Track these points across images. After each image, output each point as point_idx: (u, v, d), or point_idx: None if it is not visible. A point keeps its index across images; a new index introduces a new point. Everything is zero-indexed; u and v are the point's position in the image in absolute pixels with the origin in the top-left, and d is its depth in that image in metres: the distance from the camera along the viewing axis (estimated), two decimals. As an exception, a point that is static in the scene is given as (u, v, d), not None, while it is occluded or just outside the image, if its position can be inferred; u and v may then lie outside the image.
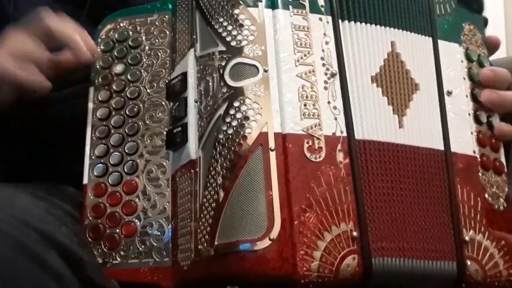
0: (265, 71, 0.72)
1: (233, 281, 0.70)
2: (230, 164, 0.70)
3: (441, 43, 0.82)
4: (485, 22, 0.90)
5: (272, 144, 0.70)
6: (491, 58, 0.90)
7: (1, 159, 0.88)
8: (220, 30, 0.75)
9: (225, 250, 0.69)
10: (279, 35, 0.74)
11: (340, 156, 0.72)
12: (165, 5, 0.87)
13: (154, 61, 0.85)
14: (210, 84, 0.75)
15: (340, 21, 0.77)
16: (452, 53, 0.83)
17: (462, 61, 0.83)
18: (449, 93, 0.80)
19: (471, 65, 0.84)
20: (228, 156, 0.71)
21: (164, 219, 0.80)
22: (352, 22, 0.78)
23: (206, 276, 0.72)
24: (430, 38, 0.81)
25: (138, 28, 0.87)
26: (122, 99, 0.84)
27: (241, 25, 0.74)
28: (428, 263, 0.72)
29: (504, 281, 0.75)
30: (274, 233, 0.67)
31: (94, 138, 0.84)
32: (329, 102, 0.73)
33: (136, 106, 0.84)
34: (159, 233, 0.79)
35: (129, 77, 0.85)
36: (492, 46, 0.89)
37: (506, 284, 0.75)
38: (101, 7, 0.91)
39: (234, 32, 0.74)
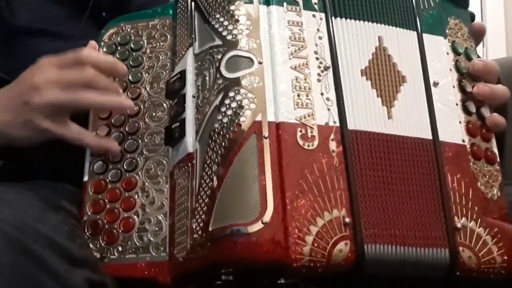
0: (260, 63, 0.75)
1: (227, 266, 0.70)
2: (224, 152, 0.72)
3: (425, 36, 0.84)
4: (471, 17, 0.92)
5: (265, 132, 0.72)
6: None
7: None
8: (216, 26, 0.78)
9: (218, 234, 0.69)
10: (273, 29, 0.77)
11: (332, 145, 0.73)
12: (166, 10, 0.90)
13: (155, 63, 0.88)
14: (207, 78, 0.77)
15: (333, 18, 0.79)
16: (437, 46, 0.84)
17: (447, 53, 0.85)
18: (436, 84, 0.82)
19: (458, 57, 0.86)
20: (223, 144, 0.72)
21: (162, 215, 0.81)
22: (343, 19, 0.80)
23: (201, 265, 0.72)
24: (415, 32, 0.83)
25: (140, 32, 0.90)
26: None
27: (237, 20, 0.77)
28: (420, 250, 0.72)
29: (499, 267, 0.75)
30: (267, 217, 0.68)
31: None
32: (322, 94, 0.75)
33: (137, 106, 0.86)
34: (156, 228, 0.80)
35: (130, 78, 0.87)
36: (477, 33, 0.90)
37: (501, 270, 0.75)
38: (99, 9, 0.94)
39: (230, 27, 0.77)
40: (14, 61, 0.93)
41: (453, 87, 0.83)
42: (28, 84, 0.83)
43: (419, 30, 0.83)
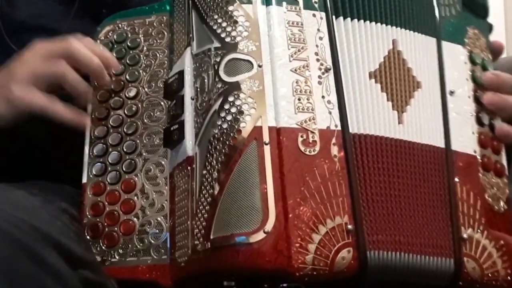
0: (259, 66, 0.73)
1: (229, 275, 0.70)
2: (225, 158, 0.71)
3: (445, 44, 0.83)
4: (490, 28, 0.90)
5: (266, 138, 0.71)
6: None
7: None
8: (215, 27, 0.76)
9: (220, 243, 0.69)
10: (273, 31, 0.75)
11: (334, 150, 0.72)
12: (163, 7, 0.88)
13: (153, 62, 0.86)
14: (206, 80, 0.75)
15: (334, 17, 0.78)
16: (456, 54, 0.83)
17: (465, 63, 0.84)
18: (452, 92, 0.81)
19: (475, 68, 0.84)
20: (223, 151, 0.71)
21: (162, 217, 0.80)
22: (348, 19, 0.78)
23: (202, 271, 0.72)
24: (434, 39, 0.82)
25: (137, 29, 0.88)
26: (120, 99, 0.85)
27: (236, 22, 0.75)
28: (424, 258, 0.72)
29: (502, 280, 0.74)
30: (269, 226, 0.68)
31: (93, 137, 0.84)
32: (323, 97, 0.74)
33: (135, 106, 0.85)
34: (157, 231, 0.79)
35: (127, 77, 0.86)
36: (496, 51, 0.90)
37: (504, 284, 0.74)
38: (98, 5, 0.92)
39: (229, 29, 0.75)
40: (10, 58, 0.91)
41: (469, 97, 0.82)
42: (18, 61, 0.83)
43: (439, 37, 0.82)
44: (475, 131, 0.81)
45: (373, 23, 0.79)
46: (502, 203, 0.79)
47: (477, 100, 0.83)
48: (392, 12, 0.81)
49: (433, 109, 0.79)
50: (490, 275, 0.74)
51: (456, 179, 0.76)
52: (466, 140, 0.79)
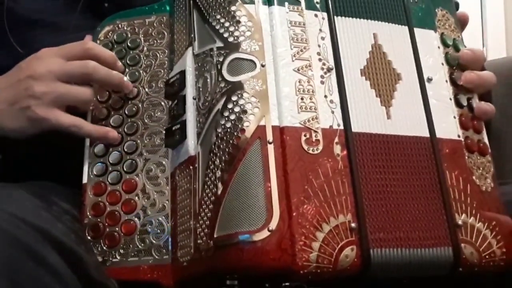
0: (262, 65, 0.73)
1: (233, 274, 0.70)
2: (228, 157, 0.71)
3: (417, 31, 0.83)
4: (456, 5, 0.91)
5: (270, 137, 0.71)
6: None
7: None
8: (217, 27, 0.76)
9: (224, 242, 0.69)
10: (275, 30, 0.75)
11: (337, 149, 0.72)
12: (163, 7, 0.88)
13: (153, 62, 0.86)
14: (208, 80, 0.76)
15: (335, 17, 0.78)
16: (429, 40, 0.84)
17: (439, 47, 0.84)
18: (429, 80, 0.81)
19: (447, 50, 0.85)
20: (227, 150, 0.71)
21: (163, 217, 0.80)
22: (342, 17, 0.79)
23: (205, 270, 0.72)
24: (406, 27, 0.82)
25: (137, 29, 0.88)
26: (121, 99, 0.86)
27: (238, 21, 0.75)
28: (424, 250, 0.72)
29: (498, 260, 0.75)
30: (273, 224, 0.68)
31: None
32: (325, 96, 0.74)
33: (135, 106, 0.85)
34: (158, 231, 0.80)
35: (128, 77, 0.86)
36: (461, 23, 0.90)
37: (500, 263, 0.75)
38: (100, 0, 0.92)
39: (231, 28, 0.75)
40: (11, 54, 0.91)
41: (446, 81, 0.83)
42: (27, 72, 0.82)
43: (410, 25, 0.82)
44: (456, 115, 0.81)
45: (358, 18, 0.80)
46: (488, 181, 0.80)
47: (453, 82, 0.83)
48: (370, 5, 0.81)
49: (414, 100, 0.79)
50: (487, 257, 0.74)
51: (445, 167, 0.77)
52: (449, 126, 0.80)
